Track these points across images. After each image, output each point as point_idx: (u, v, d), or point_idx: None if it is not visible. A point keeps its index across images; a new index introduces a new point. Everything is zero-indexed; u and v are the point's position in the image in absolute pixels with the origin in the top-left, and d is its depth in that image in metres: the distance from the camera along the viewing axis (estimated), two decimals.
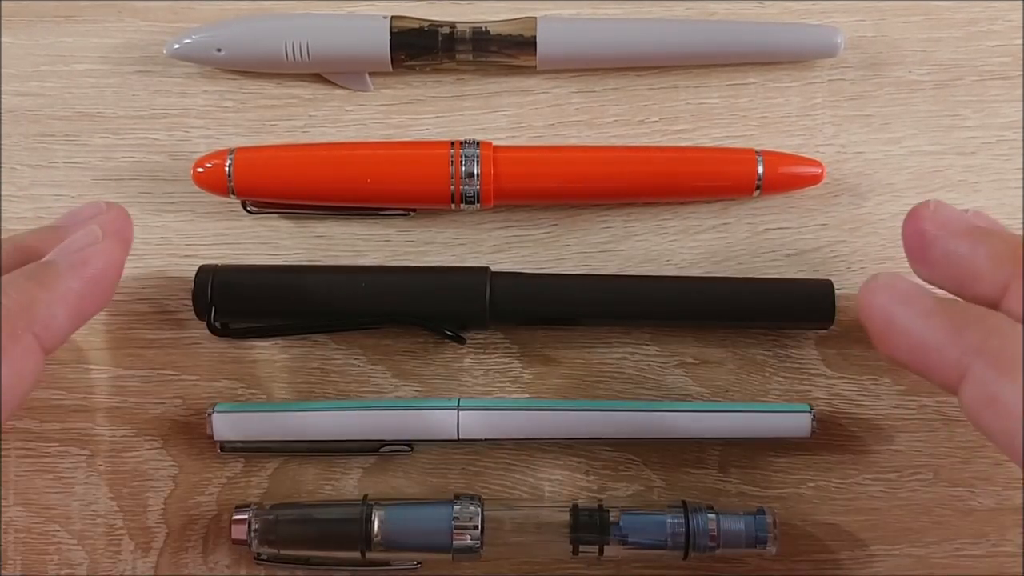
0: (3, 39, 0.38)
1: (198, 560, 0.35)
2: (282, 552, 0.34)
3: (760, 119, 0.37)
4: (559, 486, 0.36)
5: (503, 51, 0.37)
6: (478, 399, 0.36)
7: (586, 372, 0.36)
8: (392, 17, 0.36)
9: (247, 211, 0.36)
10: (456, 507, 0.34)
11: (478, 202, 0.35)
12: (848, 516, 0.35)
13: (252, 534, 0.34)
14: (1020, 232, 0.36)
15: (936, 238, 0.28)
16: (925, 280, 0.29)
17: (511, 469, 0.36)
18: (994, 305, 0.26)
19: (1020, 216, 0.36)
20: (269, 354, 0.36)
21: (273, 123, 0.37)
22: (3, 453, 0.35)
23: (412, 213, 0.37)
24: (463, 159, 0.35)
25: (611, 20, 0.37)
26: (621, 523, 0.34)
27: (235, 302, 0.35)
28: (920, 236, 0.28)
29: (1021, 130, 0.37)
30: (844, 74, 0.37)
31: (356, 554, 0.33)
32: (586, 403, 0.35)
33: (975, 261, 0.27)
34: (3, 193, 0.37)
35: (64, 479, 0.36)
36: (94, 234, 0.28)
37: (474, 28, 0.36)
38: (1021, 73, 0.37)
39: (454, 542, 0.33)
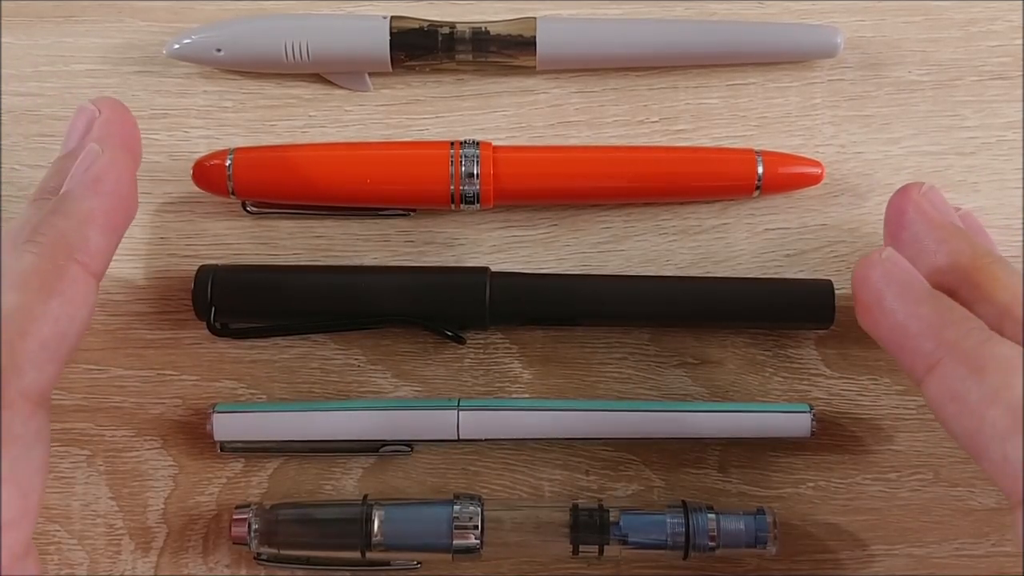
0: (3, 39, 0.38)
1: (198, 560, 0.35)
2: (282, 552, 0.34)
3: (760, 119, 0.37)
4: (559, 486, 0.36)
5: (503, 51, 0.37)
6: (478, 399, 0.36)
7: (586, 372, 0.36)
8: (392, 17, 0.36)
9: (247, 211, 0.36)
10: (456, 507, 0.33)
11: (478, 202, 0.35)
12: (848, 516, 0.35)
13: (252, 534, 0.34)
14: (1019, 229, 0.36)
15: (911, 222, 0.29)
16: None
17: (511, 469, 0.36)
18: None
19: (1020, 216, 0.36)
20: (269, 354, 0.36)
21: (273, 123, 0.37)
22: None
23: (412, 213, 0.37)
24: (463, 159, 0.35)
25: (611, 20, 0.37)
26: (621, 523, 0.34)
27: (235, 302, 0.35)
28: (899, 216, 0.30)
29: (1021, 130, 0.37)
30: (844, 74, 0.37)
31: (356, 554, 0.33)
32: (586, 403, 0.35)
33: (936, 256, 0.28)
34: (3, 193, 0.37)
35: (64, 479, 0.35)
36: (94, 152, 0.29)
37: (474, 28, 0.36)
38: (1021, 73, 0.37)
39: (454, 542, 0.33)
